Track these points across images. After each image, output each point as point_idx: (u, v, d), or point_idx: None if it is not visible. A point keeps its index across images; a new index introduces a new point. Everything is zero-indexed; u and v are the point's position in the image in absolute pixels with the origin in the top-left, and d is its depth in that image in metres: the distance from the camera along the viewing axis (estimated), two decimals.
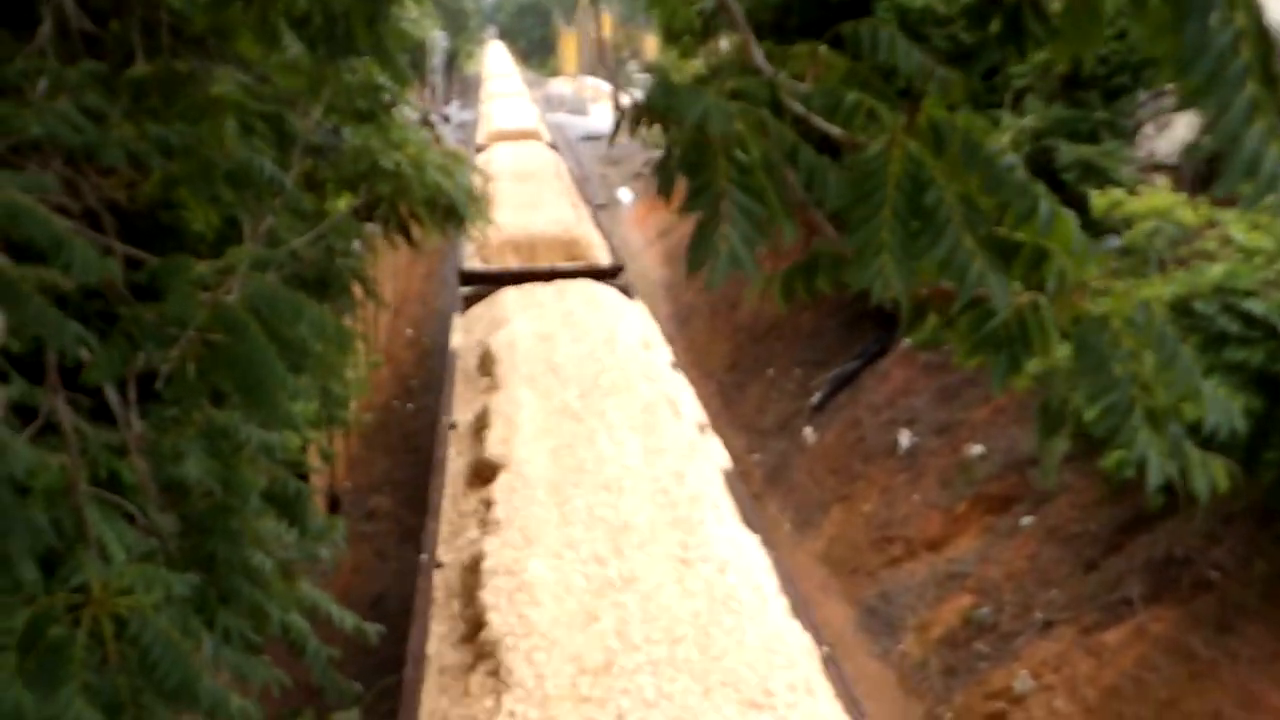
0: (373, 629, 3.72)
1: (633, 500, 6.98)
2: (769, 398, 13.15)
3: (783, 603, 6.15)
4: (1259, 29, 1.35)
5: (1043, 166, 9.41)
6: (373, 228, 5.24)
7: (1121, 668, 6.82)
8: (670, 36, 14.91)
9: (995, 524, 8.73)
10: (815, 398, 12.16)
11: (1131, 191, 8.06)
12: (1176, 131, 10.28)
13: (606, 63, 40.43)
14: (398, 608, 8.36)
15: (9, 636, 1.98)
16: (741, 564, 6.37)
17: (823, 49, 2.22)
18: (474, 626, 5.91)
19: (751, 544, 6.81)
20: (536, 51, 64.79)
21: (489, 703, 5.11)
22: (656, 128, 2.17)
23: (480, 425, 8.53)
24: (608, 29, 46.25)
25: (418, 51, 23.70)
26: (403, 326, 16.00)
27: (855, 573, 9.47)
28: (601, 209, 19.34)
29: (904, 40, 2.19)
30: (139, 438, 2.69)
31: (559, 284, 11.96)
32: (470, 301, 12.46)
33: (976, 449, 9.42)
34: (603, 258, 13.97)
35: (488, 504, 7.12)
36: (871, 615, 8.84)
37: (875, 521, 9.77)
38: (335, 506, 10.12)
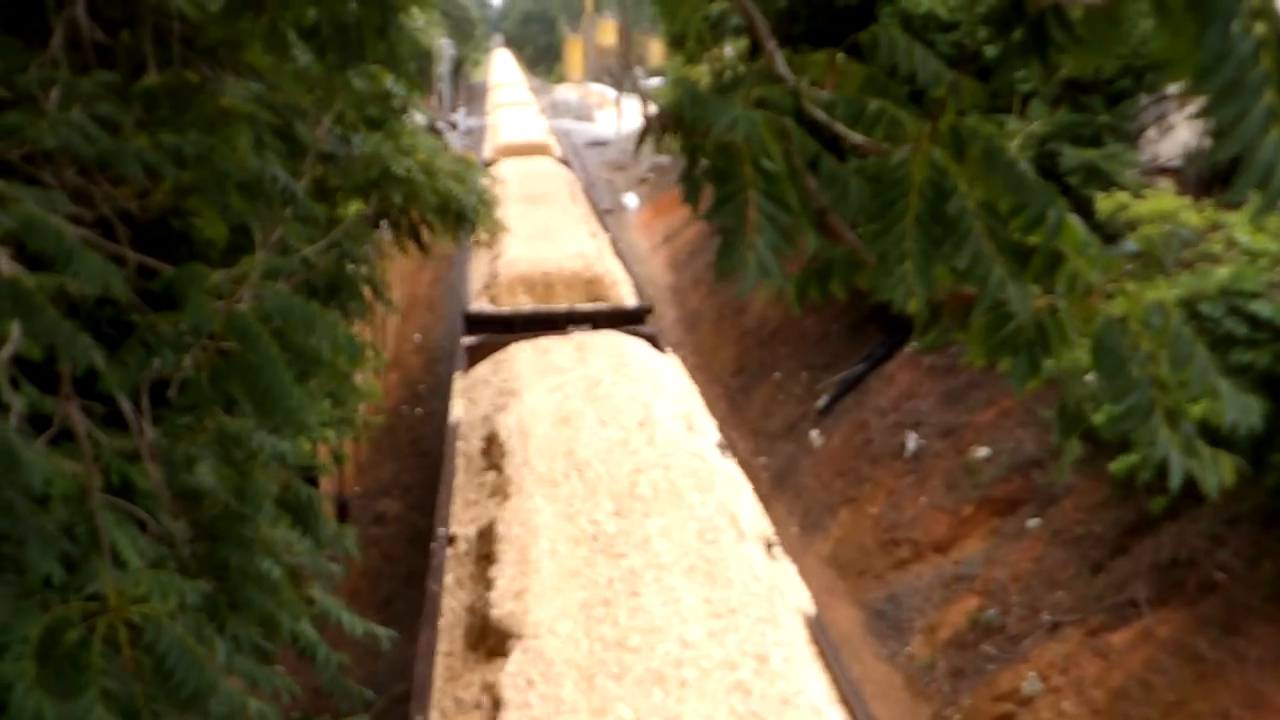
0: (384, 633, 3.69)
1: (699, 704, 5.06)
2: (775, 401, 13.17)
3: None
4: (1279, 38, 1.36)
5: (1047, 170, 9.44)
6: (382, 233, 5.29)
7: (1129, 669, 6.82)
8: (675, 43, 14.96)
9: (1001, 526, 8.74)
10: (821, 401, 12.18)
11: (1136, 195, 8.08)
12: (1179, 135, 10.30)
13: (612, 70, 40.53)
14: (406, 610, 8.41)
15: (26, 645, 2.00)
16: None
17: (840, 56, 2.23)
18: None
19: None
20: (542, 58, 65.01)
21: None
22: (669, 135, 2.18)
23: (485, 549, 6.83)
24: (612, 36, 46.40)
25: (424, 59, 23.74)
26: (410, 332, 16.07)
27: (862, 575, 9.49)
28: (607, 214, 19.04)
29: (921, 47, 2.19)
30: (152, 445, 2.71)
31: (580, 339, 10.40)
32: (476, 354, 10.69)
33: (982, 451, 9.43)
34: (627, 296, 12.47)
35: (495, 699, 5.33)
36: (879, 617, 8.85)
37: (882, 524, 9.79)
38: (344, 511, 10.18)
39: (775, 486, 11.41)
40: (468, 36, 41.22)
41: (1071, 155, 9.55)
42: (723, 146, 1.85)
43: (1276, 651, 6.23)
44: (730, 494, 7.31)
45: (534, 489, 7.10)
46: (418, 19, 9.30)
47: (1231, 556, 6.81)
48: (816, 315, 13.41)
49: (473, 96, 43.87)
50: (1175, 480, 1.89)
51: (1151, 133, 10.59)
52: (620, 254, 14.55)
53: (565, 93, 45.40)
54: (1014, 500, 8.82)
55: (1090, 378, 2.03)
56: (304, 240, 3.43)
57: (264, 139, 3.29)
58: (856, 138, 2.02)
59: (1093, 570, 7.68)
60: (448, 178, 4.70)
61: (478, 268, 13.77)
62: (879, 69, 2.18)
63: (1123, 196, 7.91)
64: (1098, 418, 6.78)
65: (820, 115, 2.03)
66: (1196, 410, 2.02)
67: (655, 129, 2.15)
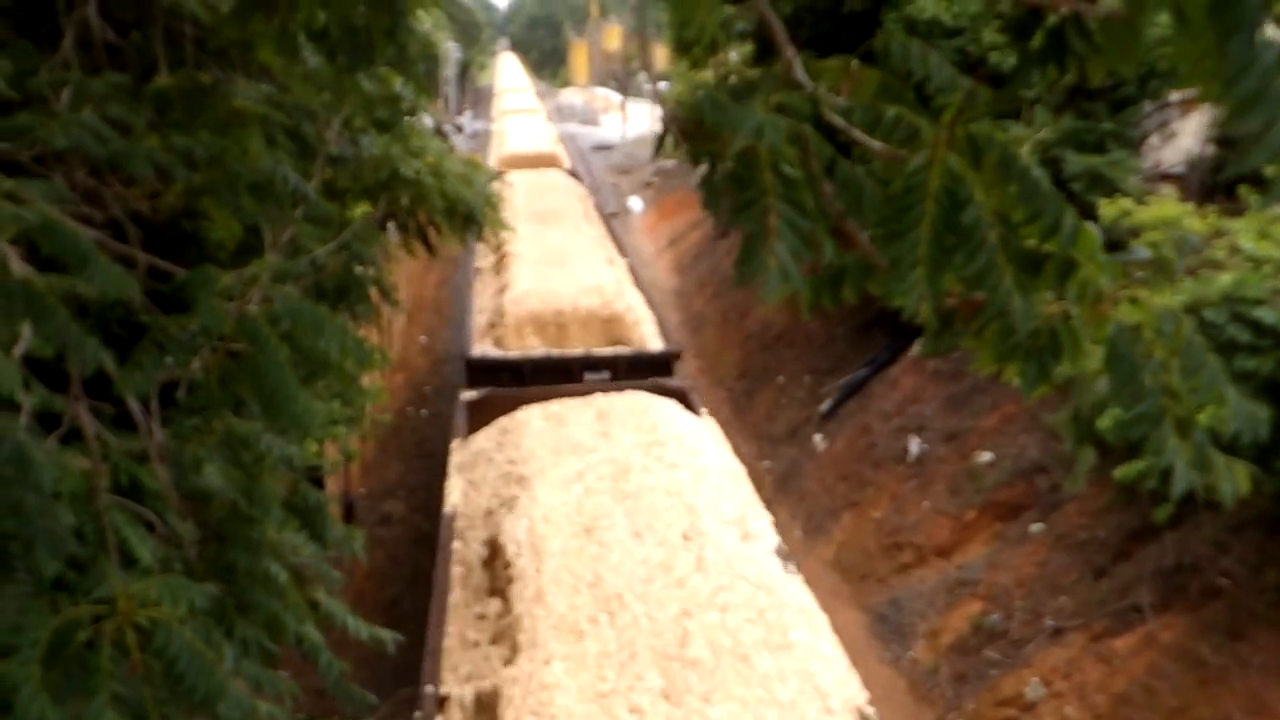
0: (389, 636, 3.68)
1: None
2: (779, 405, 13.19)
3: None
4: None
5: (1051, 176, 9.43)
6: (389, 235, 5.32)
7: (1132, 675, 6.82)
8: (682, 48, 14.99)
9: (1005, 531, 8.74)
10: (825, 405, 12.19)
11: (1139, 201, 8.10)
12: (1182, 142, 10.32)
13: (617, 74, 40.64)
14: (412, 611, 8.44)
15: (34, 649, 2.00)
16: None
17: (855, 63, 2.23)
18: None
19: None
20: (547, 62, 65.17)
21: None
22: (688, 140, 2.16)
23: None
24: (617, 41, 46.53)
25: (431, 63, 23.73)
26: (416, 333, 16.12)
27: (866, 579, 9.49)
28: (613, 217, 18.89)
29: (936, 53, 2.20)
30: (161, 446, 2.71)
31: (602, 405, 8.57)
32: (478, 412, 9.02)
33: (986, 456, 9.43)
34: (650, 337, 10.84)
35: None
36: (882, 622, 8.85)
37: (885, 528, 9.79)
38: (350, 511, 10.21)
39: (778, 490, 11.42)
40: (474, 40, 41.37)
41: (1075, 161, 9.57)
42: (743, 153, 1.85)
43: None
44: (809, 644, 5.59)
45: (551, 640, 5.44)
46: (424, 22, 9.33)
47: (1235, 563, 6.81)
48: (820, 319, 13.42)
49: (478, 100, 44.02)
50: (1178, 489, 1.89)
51: (1154, 139, 10.61)
52: (641, 284, 12.71)
53: (570, 97, 45.51)
54: (1017, 505, 8.83)
55: (1100, 384, 2.03)
56: (315, 241, 3.45)
57: (277, 139, 3.31)
58: (874, 144, 2.03)
59: (1096, 575, 7.68)
60: (456, 180, 4.74)
61: (482, 296, 12.25)
62: (893, 75, 2.19)
63: (1126, 203, 7.92)
64: (1103, 422, 6.79)
65: (838, 121, 2.03)
66: (1202, 417, 2.02)
67: (674, 134, 2.13)
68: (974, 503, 9.18)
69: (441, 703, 5.56)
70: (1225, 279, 6.62)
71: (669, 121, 2.21)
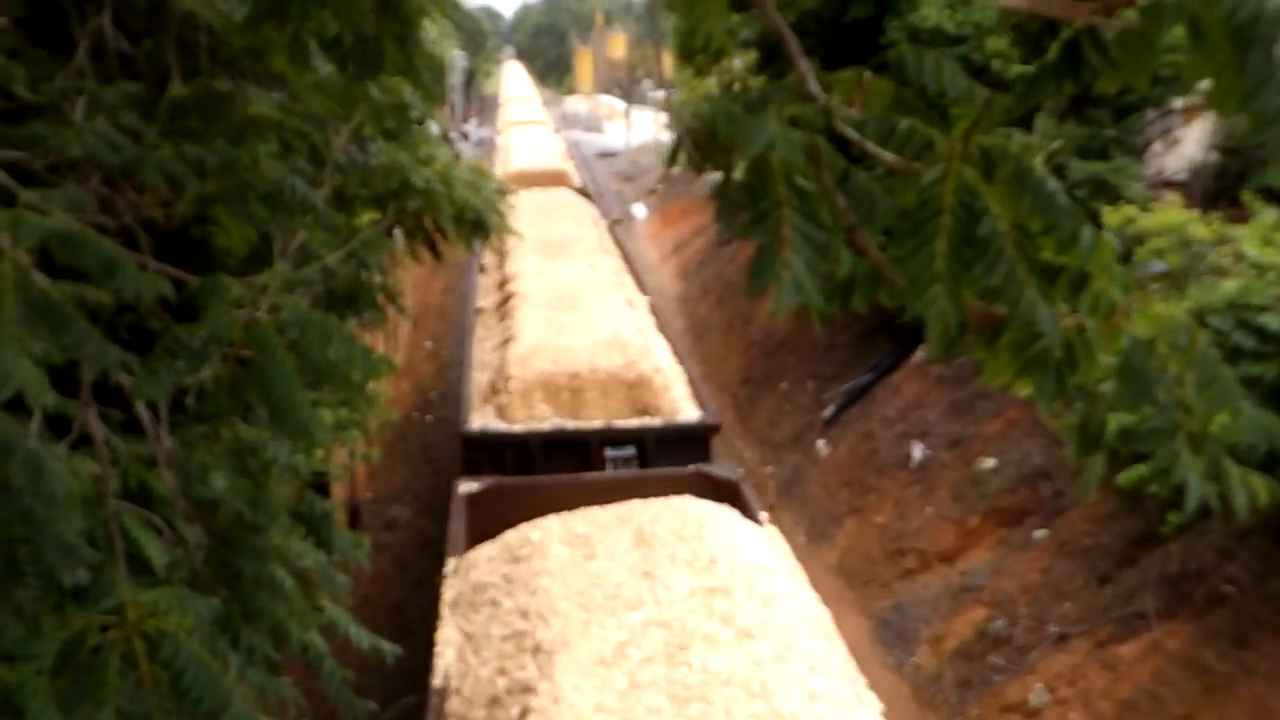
0: (390, 648, 3.72)
1: None
2: (782, 410, 13.22)
3: None
4: None
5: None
6: (396, 241, 5.36)
7: (1137, 682, 6.82)
8: (686, 56, 15.05)
9: (1008, 537, 8.75)
10: (828, 411, 12.21)
11: (1143, 208, 8.13)
12: (1185, 149, 10.36)
13: (621, 82, 40.80)
14: (417, 615, 8.48)
15: (43, 659, 2.00)
16: None
17: (868, 74, 2.21)
18: None
19: None
20: (552, 70, 65.47)
21: None
22: (701, 152, 2.16)
23: None
24: (622, 49, 46.74)
25: (437, 71, 23.82)
26: (422, 339, 16.19)
27: (869, 584, 9.50)
28: (616, 224, 18.82)
29: (950, 64, 2.17)
30: (169, 453, 2.72)
31: (639, 522, 6.47)
32: (479, 510, 7.22)
33: (989, 462, 9.44)
34: (683, 403, 8.96)
35: None
36: (885, 627, 8.86)
37: (888, 534, 9.80)
38: (356, 516, 10.25)
39: (782, 496, 11.44)
40: (480, 48, 41.57)
41: (1079, 168, 9.61)
42: (756, 164, 1.85)
43: None
44: None
45: None
46: (431, 31, 9.35)
47: (1240, 570, 6.81)
48: (824, 325, 13.42)
49: (484, 107, 44.22)
50: (1191, 504, 1.89)
51: (1158, 146, 10.65)
52: (667, 330, 10.85)
53: (575, 104, 45.76)
54: (1021, 511, 8.84)
55: (1107, 388, 2.02)
56: (324, 249, 3.49)
57: (293, 144, 3.34)
58: (888, 157, 2.02)
59: (1100, 582, 7.68)
60: (464, 187, 4.79)
61: (482, 348, 10.49)
62: (908, 86, 2.18)
63: (1130, 210, 7.96)
64: (1109, 429, 6.80)
65: (852, 134, 2.02)
66: (1211, 427, 2.04)
67: (687, 146, 2.13)
68: (977, 508, 9.19)
69: None
70: (1230, 285, 6.65)
71: (682, 134, 2.21)
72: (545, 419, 8.72)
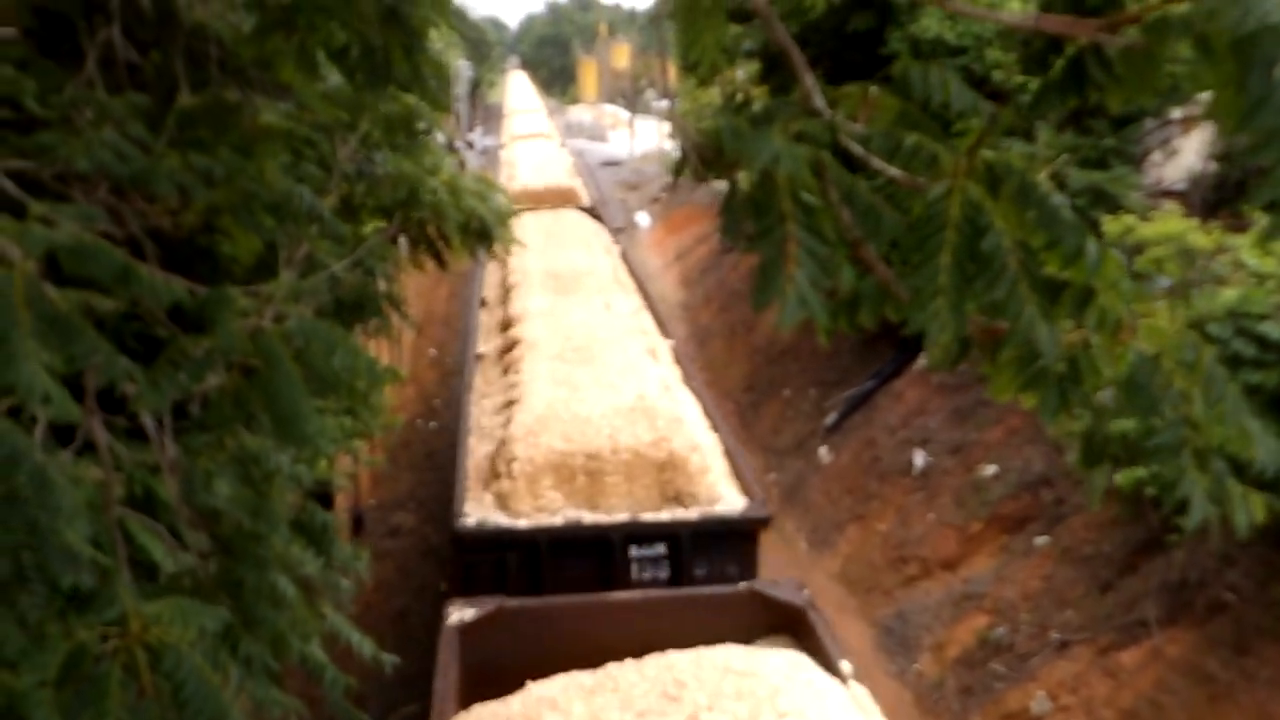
0: (389, 659, 3.73)
1: None
2: (785, 418, 13.25)
3: None
4: None
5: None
6: (401, 250, 5.41)
7: (1139, 689, 6.82)
8: (689, 67, 15.13)
9: (1010, 544, 8.76)
10: (830, 418, 12.24)
11: (1143, 217, 8.16)
12: (1183, 159, 10.41)
13: (625, 91, 41.02)
14: (420, 622, 8.51)
15: (46, 670, 2.01)
16: None
17: (874, 89, 2.22)
18: None
19: None
20: (557, 80, 65.78)
21: None
22: (707, 166, 2.15)
23: None
24: (625, 59, 47.00)
25: (443, 81, 23.81)
26: (426, 346, 16.25)
27: (871, 592, 9.51)
28: (620, 232, 18.80)
29: (956, 78, 2.18)
30: (173, 461, 2.72)
31: (680, 680, 4.97)
32: (472, 650, 5.75)
33: (990, 469, 9.46)
34: (723, 488, 7.29)
35: None
36: (888, 634, 8.87)
37: (891, 541, 9.82)
38: (359, 523, 10.28)
39: (784, 502, 11.46)
40: (484, 58, 41.78)
41: (1078, 178, 9.65)
42: (761, 179, 1.86)
43: None
44: None
45: None
46: (437, 41, 9.44)
47: (1242, 577, 6.82)
48: (829, 336, 13.44)
49: (489, 117, 44.43)
50: (1194, 520, 1.90)
51: (1156, 155, 10.70)
52: (690, 382, 9.04)
53: (579, 114, 45.95)
54: (1022, 518, 8.85)
55: (1109, 398, 2.03)
56: (331, 258, 3.53)
57: (303, 153, 3.38)
58: (893, 172, 2.03)
59: (1102, 589, 7.69)
60: (470, 196, 4.85)
61: (481, 407, 8.75)
62: (912, 101, 2.18)
63: (1129, 219, 7.99)
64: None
65: (857, 149, 2.03)
66: (1216, 439, 2.05)
67: (694, 161, 2.14)
68: (979, 515, 9.20)
69: None
70: (1229, 294, 6.68)
71: (688, 149, 2.23)
72: (556, 509, 7.03)
